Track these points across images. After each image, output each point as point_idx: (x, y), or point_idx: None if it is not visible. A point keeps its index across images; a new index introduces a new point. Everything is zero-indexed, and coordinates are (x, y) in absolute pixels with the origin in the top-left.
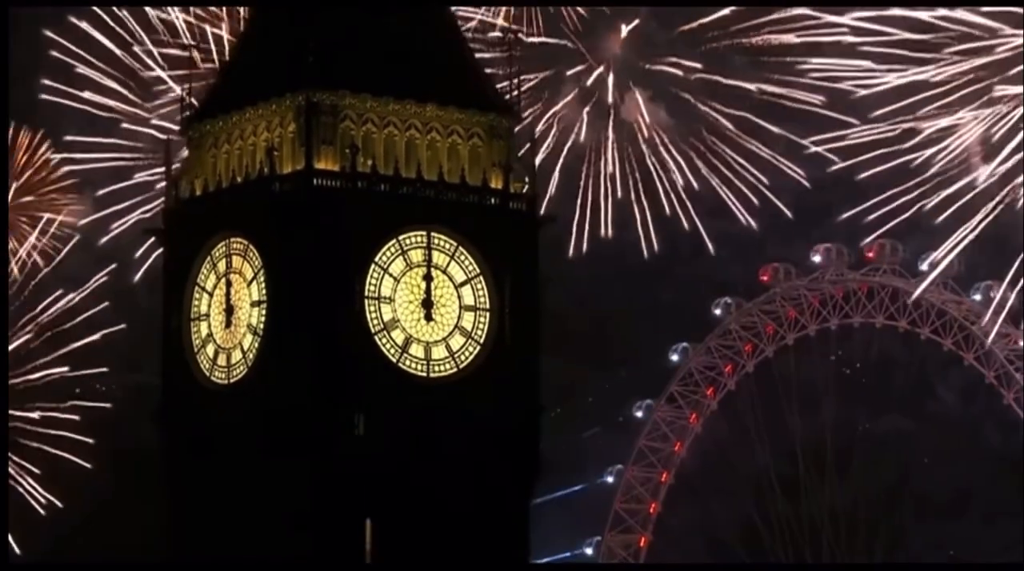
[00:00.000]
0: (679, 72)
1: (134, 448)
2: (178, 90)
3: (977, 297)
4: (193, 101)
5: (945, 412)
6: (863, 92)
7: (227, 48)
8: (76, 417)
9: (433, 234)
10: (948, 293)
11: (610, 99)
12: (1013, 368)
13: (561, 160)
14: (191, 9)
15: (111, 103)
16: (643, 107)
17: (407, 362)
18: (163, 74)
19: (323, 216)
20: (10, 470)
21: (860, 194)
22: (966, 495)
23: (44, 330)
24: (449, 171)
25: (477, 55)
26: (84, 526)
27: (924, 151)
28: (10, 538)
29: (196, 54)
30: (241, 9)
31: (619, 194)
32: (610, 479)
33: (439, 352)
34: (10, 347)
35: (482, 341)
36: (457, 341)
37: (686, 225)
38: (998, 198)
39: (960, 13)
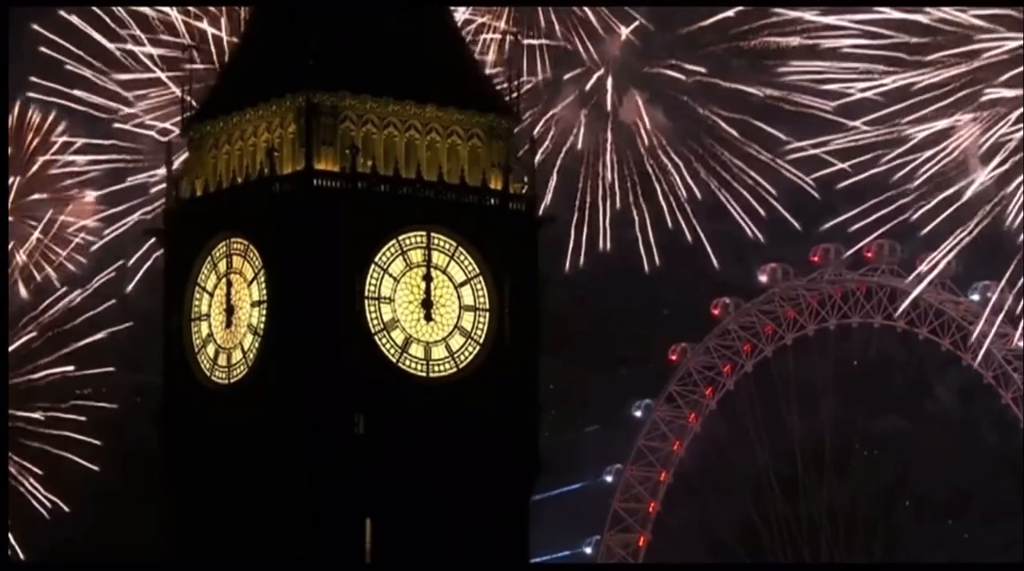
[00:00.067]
0: (679, 76)
1: (135, 448)
2: (176, 91)
3: (975, 297)
4: (190, 101)
5: (943, 412)
6: (859, 95)
7: (227, 49)
8: (83, 418)
9: (433, 234)
10: (946, 293)
11: (609, 102)
12: (1011, 368)
13: (559, 162)
14: (190, 9)
15: (105, 102)
16: (642, 110)
17: (407, 362)
18: (161, 75)
19: (323, 216)
20: (12, 470)
21: (859, 196)
22: (964, 495)
23: (46, 330)
24: (449, 172)
25: (477, 56)
26: (84, 526)
27: (922, 153)
28: (11, 538)
29: (195, 54)
30: (241, 10)
31: (618, 204)
32: (609, 478)
33: (439, 352)
34: (12, 347)
35: (482, 341)
36: (457, 341)
37: (686, 229)
38: (995, 200)
39: (956, 16)
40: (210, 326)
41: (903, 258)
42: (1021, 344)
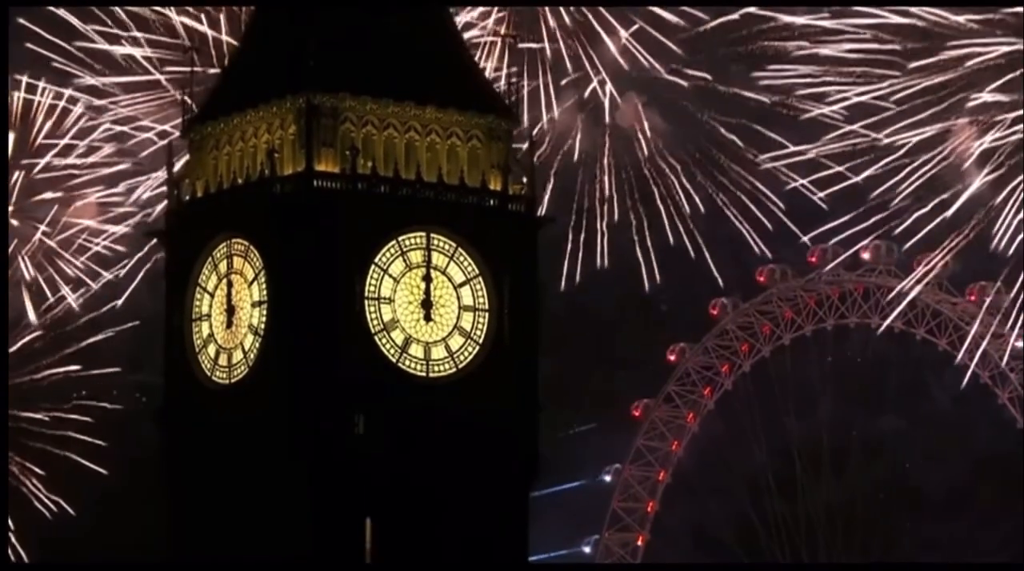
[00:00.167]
0: (677, 80)
1: (136, 448)
2: (176, 93)
3: (971, 298)
4: (188, 101)
5: (940, 412)
6: (855, 100)
7: (226, 51)
8: (88, 419)
9: (432, 235)
10: (943, 294)
11: (607, 105)
12: (1008, 368)
13: (555, 166)
14: (188, 9)
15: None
16: (640, 114)
17: (407, 362)
18: (161, 77)
19: (323, 217)
20: (14, 470)
21: (856, 198)
22: (961, 495)
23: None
24: (448, 173)
25: (476, 57)
26: (86, 527)
27: (917, 157)
28: (12, 538)
29: (195, 57)
30: (241, 11)
31: (616, 208)
32: (608, 478)
33: (438, 352)
34: (14, 346)
35: (481, 341)
36: (456, 341)
37: (683, 232)
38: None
39: (952, 19)
40: (211, 326)
41: (900, 259)
42: (1019, 344)
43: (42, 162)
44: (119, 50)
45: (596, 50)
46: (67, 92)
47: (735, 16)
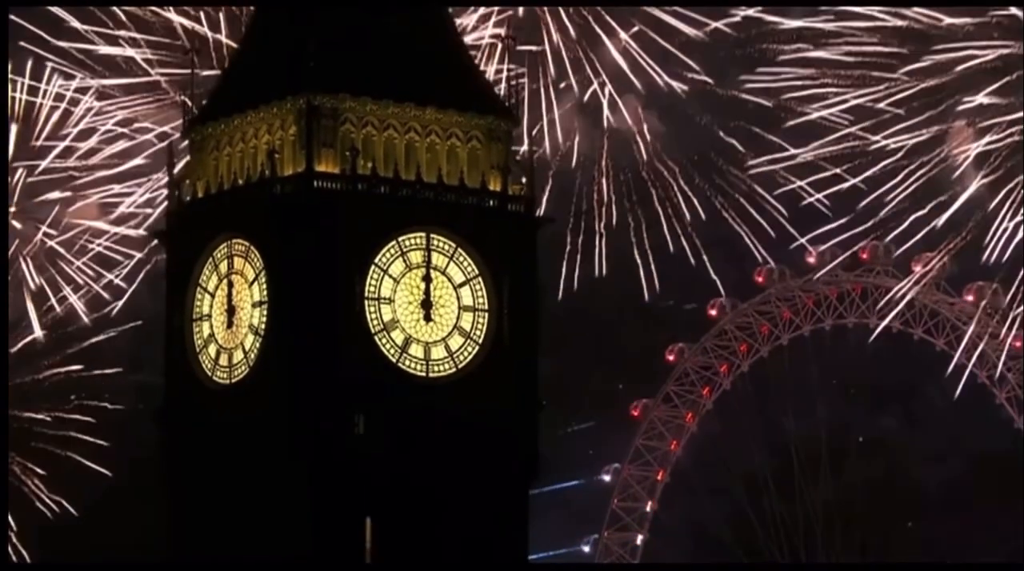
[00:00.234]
0: (676, 83)
1: (137, 448)
2: (177, 96)
3: (969, 298)
4: (191, 105)
5: (938, 412)
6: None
7: (226, 53)
8: (90, 419)
9: (432, 235)
10: (941, 294)
11: (606, 108)
12: (1005, 368)
13: (554, 168)
14: (188, 10)
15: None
16: (639, 116)
17: (407, 362)
18: (160, 77)
19: (323, 218)
20: (15, 470)
21: (854, 200)
22: (959, 494)
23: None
24: (448, 173)
25: (476, 57)
26: (86, 526)
27: (914, 159)
28: (13, 538)
29: (196, 58)
30: (241, 13)
31: (615, 211)
32: (607, 478)
33: (438, 352)
34: (16, 347)
35: (481, 341)
36: (456, 341)
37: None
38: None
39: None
40: (211, 326)
41: (898, 259)
42: (1018, 344)
43: (43, 164)
44: (119, 52)
45: (596, 52)
46: (68, 94)
47: (737, 18)
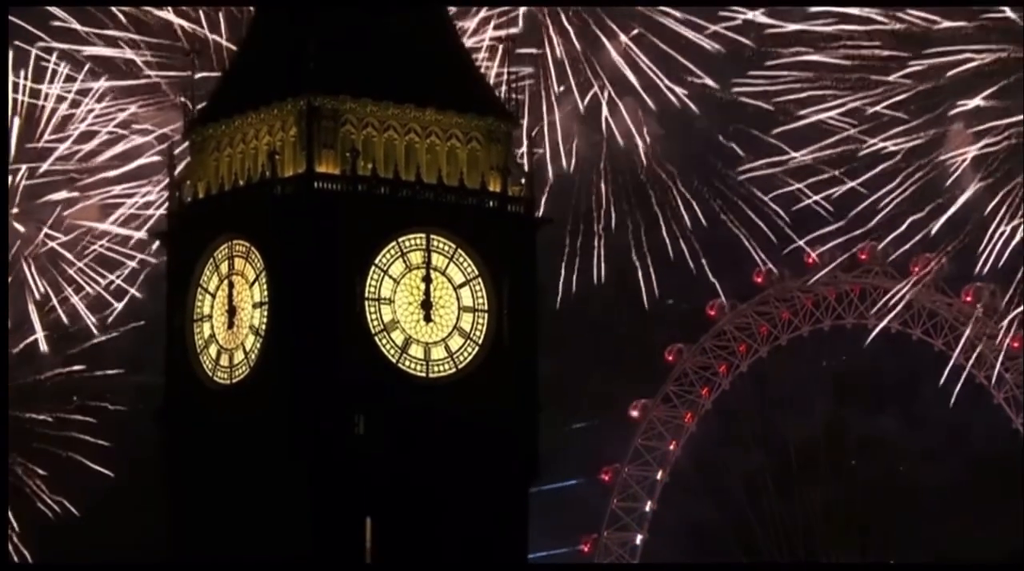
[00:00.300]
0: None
1: (138, 449)
2: (177, 97)
3: (967, 299)
4: (191, 106)
5: (936, 412)
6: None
7: (226, 55)
8: (92, 419)
9: (432, 236)
10: (939, 294)
11: (605, 110)
12: (1003, 368)
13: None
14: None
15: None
16: (638, 118)
17: (407, 363)
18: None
19: (324, 219)
20: (17, 470)
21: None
22: (958, 494)
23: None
24: (448, 174)
25: (476, 59)
26: (87, 527)
27: (912, 162)
28: (15, 539)
29: (196, 60)
30: (243, 14)
31: (613, 213)
32: (606, 478)
33: (438, 353)
34: (18, 348)
35: (480, 342)
36: (456, 342)
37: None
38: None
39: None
40: (212, 327)
41: (896, 260)
42: (1016, 345)
43: (44, 165)
44: (120, 54)
45: (596, 55)
46: (68, 96)
47: (737, 22)
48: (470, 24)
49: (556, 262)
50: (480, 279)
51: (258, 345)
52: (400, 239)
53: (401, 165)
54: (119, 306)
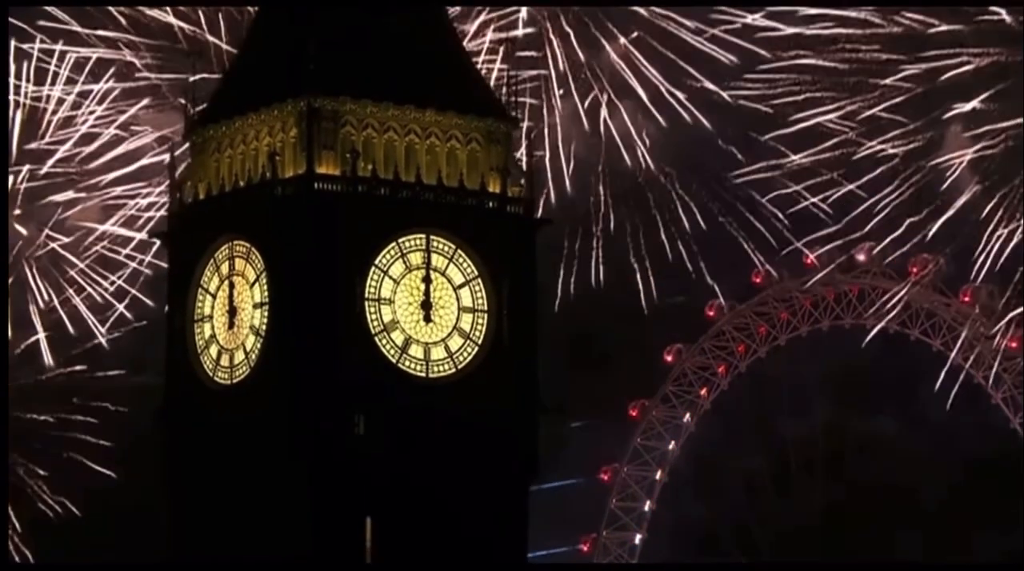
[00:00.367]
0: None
1: (140, 449)
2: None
3: (966, 299)
4: (190, 107)
5: (934, 412)
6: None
7: (226, 58)
8: (93, 420)
9: (432, 237)
10: (937, 295)
11: (604, 113)
12: (1001, 369)
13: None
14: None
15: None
16: (637, 120)
17: (407, 363)
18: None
19: (324, 219)
20: (19, 471)
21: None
22: (955, 495)
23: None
24: (448, 175)
25: (476, 61)
26: (88, 527)
27: (911, 163)
28: (16, 539)
29: (197, 63)
30: (243, 17)
31: (612, 215)
32: (605, 478)
33: (438, 353)
34: (20, 348)
35: (480, 342)
36: (456, 342)
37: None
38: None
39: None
40: (213, 327)
41: (895, 261)
42: (1013, 345)
43: (45, 167)
44: (120, 56)
45: (595, 57)
46: (69, 99)
47: (737, 26)
48: (471, 27)
49: (555, 263)
50: (480, 280)
51: (258, 345)
52: (400, 240)
53: (401, 166)
54: (120, 307)
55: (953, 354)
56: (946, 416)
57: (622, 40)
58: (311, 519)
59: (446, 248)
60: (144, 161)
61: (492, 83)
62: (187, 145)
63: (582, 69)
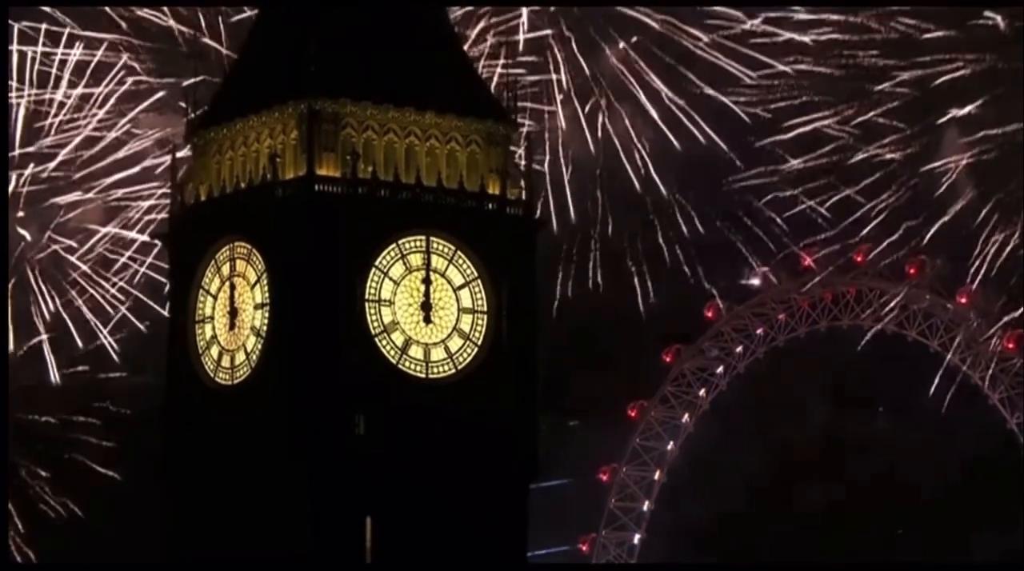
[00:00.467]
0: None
1: (141, 450)
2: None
3: (963, 300)
4: (184, 106)
5: (931, 412)
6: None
7: (226, 58)
8: (96, 420)
9: (432, 238)
10: (935, 296)
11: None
12: (998, 369)
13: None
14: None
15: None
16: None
17: (406, 363)
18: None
19: (324, 221)
20: (21, 472)
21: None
22: (953, 494)
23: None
24: (448, 177)
25: (475, 61)
26: (89, 527)
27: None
28: (17, 539)
29: (197, 65)
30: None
31: (610, 217)
32: (604, 478)
33: (438, 354)
34: (22, 349)
35: (480, 343)
36: (456, 343)
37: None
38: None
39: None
40: (214, 328)
41: (893, 262)
42: (1010, 346)
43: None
44: (121, 58)
45: (595, 60)
46: (69, 102)
47: (737, 31)
48: (471, 32)
49: (554, 265)
50: (479, 281)
51: (259, 346)
52: (400, 241)
53: (401, 168)
54: (123, 308)
55: (950, 355)
56: (943, 416)
57: (621, 45)
58: (311, 519)
59: (446, 249)
60: (145, 163)
61: (492, 86)
62: (188, 147)
63: (582, 71)
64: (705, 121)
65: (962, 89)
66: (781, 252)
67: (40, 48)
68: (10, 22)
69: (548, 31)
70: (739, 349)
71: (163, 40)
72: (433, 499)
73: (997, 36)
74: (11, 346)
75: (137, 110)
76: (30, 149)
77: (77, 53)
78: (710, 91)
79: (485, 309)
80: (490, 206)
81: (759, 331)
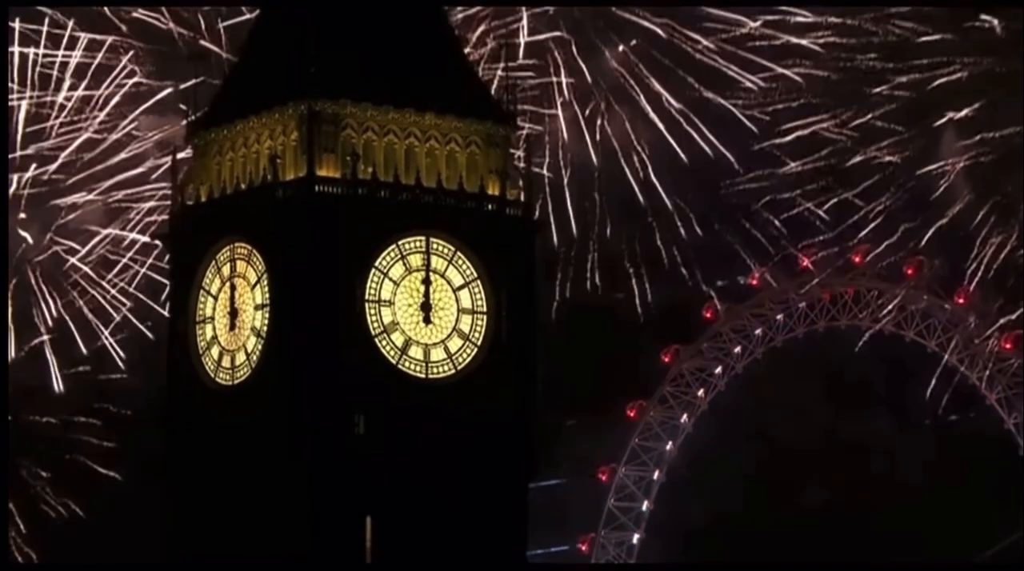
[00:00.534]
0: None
1: (142, 450)
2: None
3: (960, 301)
4: (185, 107)
5: (930, 412)
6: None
7: (226, 60)
8: (97, 421)
9: (432, 239)
10: (933, 296)
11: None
12: (996, 370)
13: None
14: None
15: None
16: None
17: (406, 364)
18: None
19: (325, 222)
20: (22, 472)
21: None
22: (951, 495)
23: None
24: (447, 178)
25: (475, 64)
26: (90, 528)
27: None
28: (18, 540)
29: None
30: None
31: (608, 218)
32: (603, 478)
33: (437, 354)
34: (24, 350)
35: (480, 343)
36: (455, 343)
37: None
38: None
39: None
40: (214, 329)
41: (891, 263)
42: (1008, 346)
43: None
44: (121, 59)
45: (595, 63)
46: (70, 104)
47: (735, 34)
48: (472, 35)
49: (553, 266)
50: (479, 281)
51: (259, 347)
52: (400, 242)
53: (401, 169)
54: (124, 309)
55: (947, 355)
56: (941, 416)
57: (621, 47)
58: (311, 519)
59: (446, 250)
60: (146, 165)
61: (493, 89)
62: (189, 148)
63: (581, 73)
64: (704, 124)
65: (959, 92)
66: (779, 254)
67: (41, 50)
68: (10, 24)
69: (548, 34)
70: (737, 349)
71: (163, 42)
72: (433, 499)
73: (994, 39)
74: (12, 347)
75: (138, 112)
76: (31, 151)
77: (78, 55)
78: (709, 94)
79: (485, 310)
80: (489, 207)
81: (757, 331)
